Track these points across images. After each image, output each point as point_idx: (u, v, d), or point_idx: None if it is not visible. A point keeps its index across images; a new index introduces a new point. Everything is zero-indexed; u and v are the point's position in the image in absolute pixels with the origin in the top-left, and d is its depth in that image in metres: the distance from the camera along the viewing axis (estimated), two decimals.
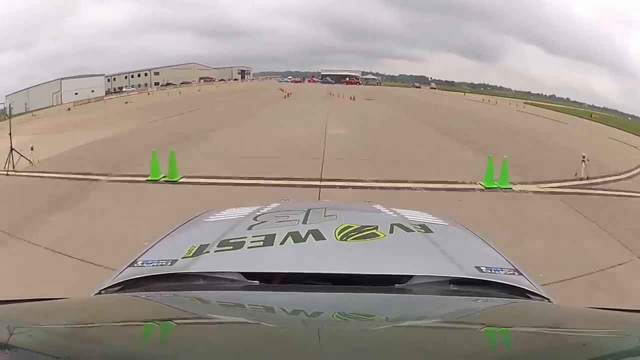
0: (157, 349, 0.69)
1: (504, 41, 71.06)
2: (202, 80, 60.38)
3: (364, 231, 1.24)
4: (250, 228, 1.29)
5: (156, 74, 57.94)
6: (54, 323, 0.79)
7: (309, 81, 73.75)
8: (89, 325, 0.79)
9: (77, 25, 61.99)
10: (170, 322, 0.84)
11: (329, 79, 70.76)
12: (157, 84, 58.20)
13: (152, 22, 72.58)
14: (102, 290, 1.04)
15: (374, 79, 77.00)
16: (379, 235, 1.22)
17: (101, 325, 0.81)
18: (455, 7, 68.42)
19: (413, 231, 1.30)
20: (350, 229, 1.24)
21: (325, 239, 1.17)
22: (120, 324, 0.82)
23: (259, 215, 1.46)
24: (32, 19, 51.82)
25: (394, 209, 1.66)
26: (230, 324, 0.83)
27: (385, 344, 0.68)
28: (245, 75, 75.98)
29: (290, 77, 77.24)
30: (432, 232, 1.33)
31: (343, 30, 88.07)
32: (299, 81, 71.81)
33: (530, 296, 1.02)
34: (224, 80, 65.97)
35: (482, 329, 0.83)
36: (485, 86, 60.60)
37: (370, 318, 0.89)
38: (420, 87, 67.72)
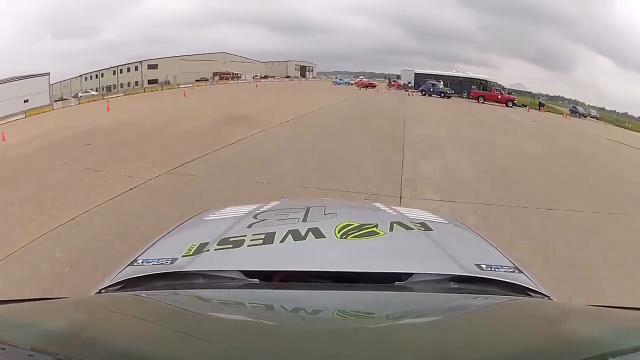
0: (158, 348, 0.67)
1: (577, 50, 54.24)
2: (216, 77, 38.52)
3: (364, 229, 1.23)
4: (250, 226, 1.28)
5: (152, 67, 38.61)
6: (54, 323, 0.78)
7: (393, 86, 40.55)
8: (89, 324, 0.79)
9: (143, 12, 51.10)
10: (171, 321, 0.83)
11: (439, 85, 34.09)
12: (152, 82, 38.39)
13: (221, 13, 59.12)
14: (102, 289, 1.03)
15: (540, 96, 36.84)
16: (379, 233, 1.22)
17: (101, 324, 0.80)
18: (530, 12, 49.15)
19: (413, 229, 1.30)
20: (350, 227, 1.23)
21: (325, 237, 1.17)
22: (120, 323, 0.81)
23: (259, 213, 1.46)
24: (98, 5, 42.02)
25: (393, 207, 1.66)
26: (231, 323, 0.83)
27: (386, 341, 0.68)
28: (307, 73, 52.06)
29: (352, 77, 45.51)
30: (432, 230, 1.33)
31: (416, 31, 73.23)
32: (369, 85, 39.64)
33: (530, 294, 1.03)
34: (266, 79, 43.49)
35: (482, 327, 0.83)
36: (561, 99, 46.73)
37: (371, 316, 0.90)
38: (586, 117, 33.62)
